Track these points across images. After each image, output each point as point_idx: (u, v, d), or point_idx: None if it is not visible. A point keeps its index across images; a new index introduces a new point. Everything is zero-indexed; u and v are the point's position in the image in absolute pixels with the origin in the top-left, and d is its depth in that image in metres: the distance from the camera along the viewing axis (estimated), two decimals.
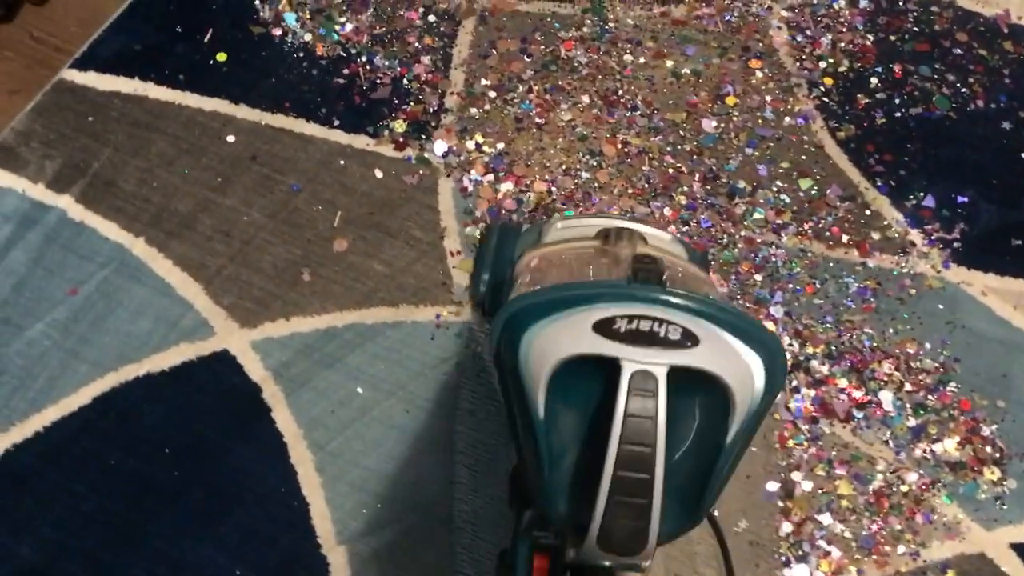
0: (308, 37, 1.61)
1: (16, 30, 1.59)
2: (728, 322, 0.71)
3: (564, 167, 1.52)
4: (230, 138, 1.50)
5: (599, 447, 0.71)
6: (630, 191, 1.51)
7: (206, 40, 1.59)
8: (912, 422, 1.34)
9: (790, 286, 1.44)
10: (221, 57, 1.58)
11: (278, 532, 1.21)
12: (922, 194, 1.54)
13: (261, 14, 1.63)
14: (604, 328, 0.70)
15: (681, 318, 0.71)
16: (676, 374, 0.71)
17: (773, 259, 1.46)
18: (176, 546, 1.19)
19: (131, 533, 1.19)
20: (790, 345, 1.39)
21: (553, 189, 1.50)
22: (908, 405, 1.35)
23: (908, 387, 1.36)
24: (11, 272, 1.36)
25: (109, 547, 1.19)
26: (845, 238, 1.49)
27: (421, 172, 1.51)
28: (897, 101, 1.63)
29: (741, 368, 0.72)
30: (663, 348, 0.70)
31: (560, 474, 0.76)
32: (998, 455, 1.33)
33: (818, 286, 1.45)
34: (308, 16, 1.63)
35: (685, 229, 1.47)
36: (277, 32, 1.62)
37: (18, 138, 1.47)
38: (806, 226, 1.50)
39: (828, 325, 1.41)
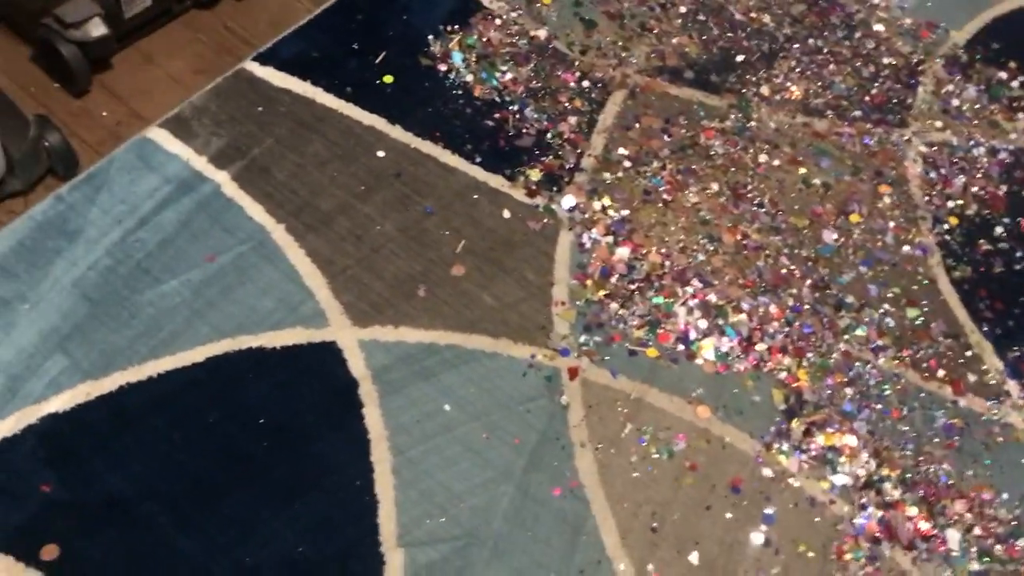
0: (469, 78, 1.73)
1: (213, 18, 1.74)
2: None
3: (681, 245, 1.59)
4: (380, 153, 1.61)
5: None
6: (740, 281, 1.55)
7: (378, 61, 1.72)
8: (975, 567, 1.34)
9: (878, 406, 1.46)
10: (388, 79, 1.70)
11: (346, 522, 1.27)
12: None
13: (432, 48, 1.75)
14: None
15: None
16: None
17: (866, 377, 1.49)
18: (251, 512, 1.26)
19: (213, 490, 1.27)
20: (867, 463, 1.40)
21: (666, 263, 1.56)
22: (974, 549, 1.35)
23: (978, 531, 1.36)
24: (160, 228, 1.47)
25: (189, 498, 1.26)
26: (941, 373, 1.51)
27: (545, 220, 1.59)
28: (1019, 254, 1.65)
29: None
30: None
31: None
32: None
33: (905, 412, 1.46)
34: (474, 58, 1.75)
35: (786, 331, 1.51)
36: (443, 67, 1.73)
37: (194, 112, 1.60)
38: (905, 353, 1.52)
39: (908, 452, 1.42)
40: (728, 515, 1.34)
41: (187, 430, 1.32)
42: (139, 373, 1.35)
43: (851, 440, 1.42)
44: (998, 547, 1.36)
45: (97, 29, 1.52)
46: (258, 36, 1.72)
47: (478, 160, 1.64)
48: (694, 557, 1.29)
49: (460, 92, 1.71)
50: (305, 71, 1.68)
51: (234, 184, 1.54)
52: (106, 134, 1.56)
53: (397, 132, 1.64)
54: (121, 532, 1.22)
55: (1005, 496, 1.40)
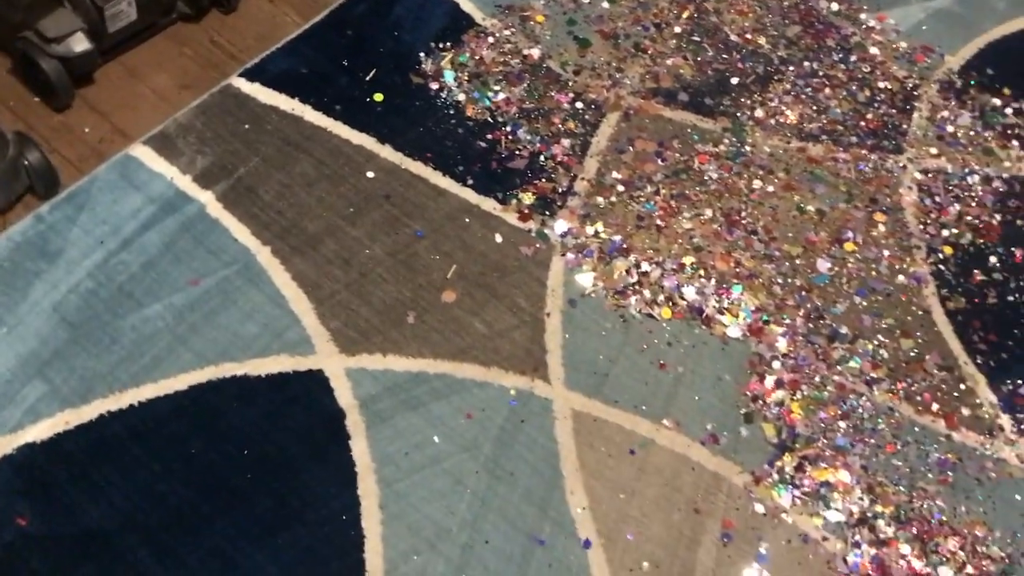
0: (461, 97, 1.70)
1: (199, 31, 1.70)
2: None
3: (675, 273, 1.56)
4: (370, 174, 1.58)
5: None
6: None
7: (368, 79, 1.68)
8: None
9: (871, 441, 1.45)
10: (378, 97, 1.67)
11: (331, 557, 1.24)
12: (1021, 381, 1.53)
13: (423, 66, 1.72)
14: None
15: None
16: None
17: (860, 410, 1.47)
18: (233, 546, 1.23)
19: (195, 522, 1.24)
20: (860, 499, 1.39)
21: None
22: None
23: (970, 569, 1.35)
24: (143, 251, 1.43)
25: (171, 530, 1.23)
26: (935, 407, 1.49)
27: (538, 245, 1.56)
28: (1013, 285, 1.64)
29: None
30: None
31: None
32: None
33: (899, 447, 1.45)
34: (466, 77, 1.72)
35: (776, 363, 1.49)
36: (434, 86, 1.70)
37: (179, 129, 1.56)
38: (899, 386, 1.51)
39: (902, 488, 1.41)
40: (721, 551, 1.32)
41: (168, 461, 1.28)
42: (119, 401, 1.31)
43: (845, 476, 1.40)
44: None
45: (80, 44, 1.48)
46: (245, 51, 1.69)
47: (470, 182, 1.61)
48: None
49: (452, 112, 1.68)
50: (293, 88, 1.65)
51: (219, 204, 1.50)
52: (88, 151, 1.52)
53: (387, 152, 1.61)
54: (99, 566, 1.19)
55: (997, 534, 1.39)
